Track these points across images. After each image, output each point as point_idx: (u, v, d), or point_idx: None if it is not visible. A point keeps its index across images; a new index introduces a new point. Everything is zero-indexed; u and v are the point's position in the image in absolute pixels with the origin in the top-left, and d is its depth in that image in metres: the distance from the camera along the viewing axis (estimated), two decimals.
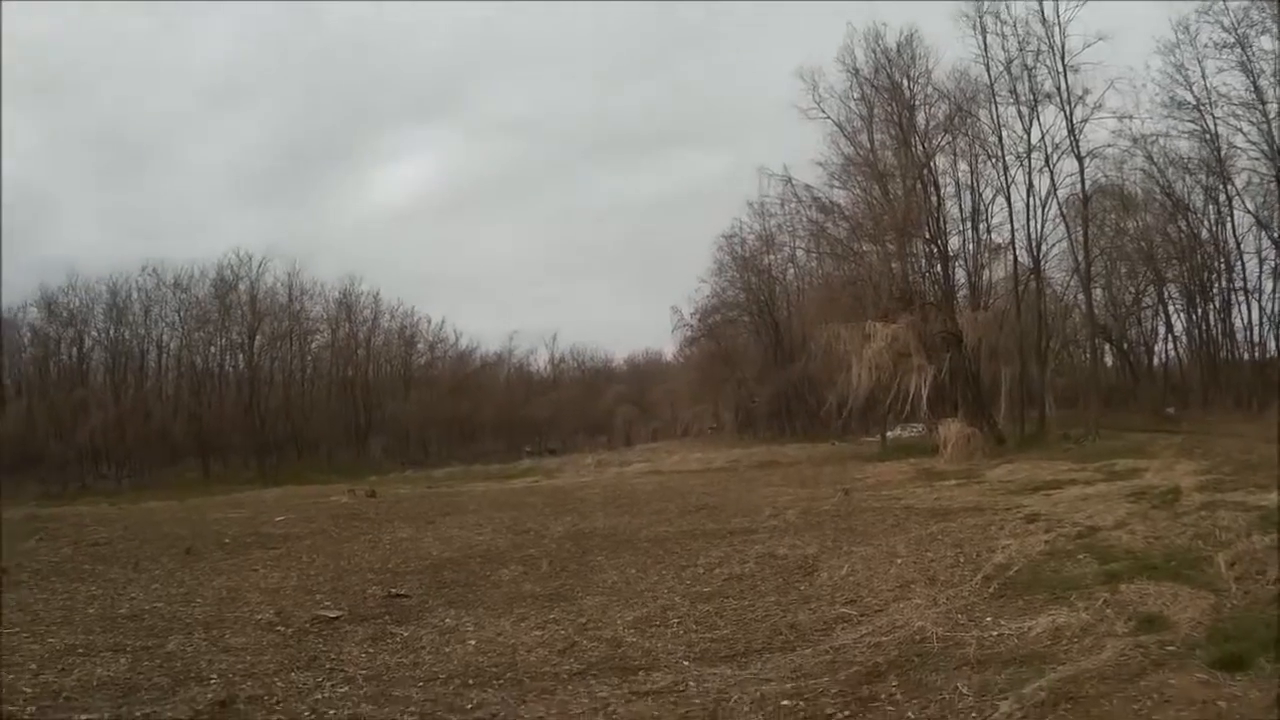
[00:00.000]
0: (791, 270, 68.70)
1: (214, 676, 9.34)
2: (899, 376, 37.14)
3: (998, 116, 43.41)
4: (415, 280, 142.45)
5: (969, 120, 43.87)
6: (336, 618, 12.00)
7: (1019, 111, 42.69)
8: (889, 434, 47.16)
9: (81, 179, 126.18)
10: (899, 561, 13.74)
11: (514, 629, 10.97)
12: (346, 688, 8.78)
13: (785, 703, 7.61)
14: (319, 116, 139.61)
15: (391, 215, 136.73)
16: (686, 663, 9.07)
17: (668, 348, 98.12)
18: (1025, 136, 42.59)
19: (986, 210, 45.78)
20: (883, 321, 38.39)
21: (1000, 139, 43.59)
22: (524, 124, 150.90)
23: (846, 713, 7.36)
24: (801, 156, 63.75)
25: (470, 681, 8.79)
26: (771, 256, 68.06)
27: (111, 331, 72.68)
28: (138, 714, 8.15)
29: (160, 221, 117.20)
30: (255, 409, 70.72)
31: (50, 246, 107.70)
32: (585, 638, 10.28)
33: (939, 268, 44.28)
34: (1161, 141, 45.55)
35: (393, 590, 13.75)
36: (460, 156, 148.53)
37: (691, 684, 8.29)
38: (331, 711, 8.08)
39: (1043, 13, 41.02)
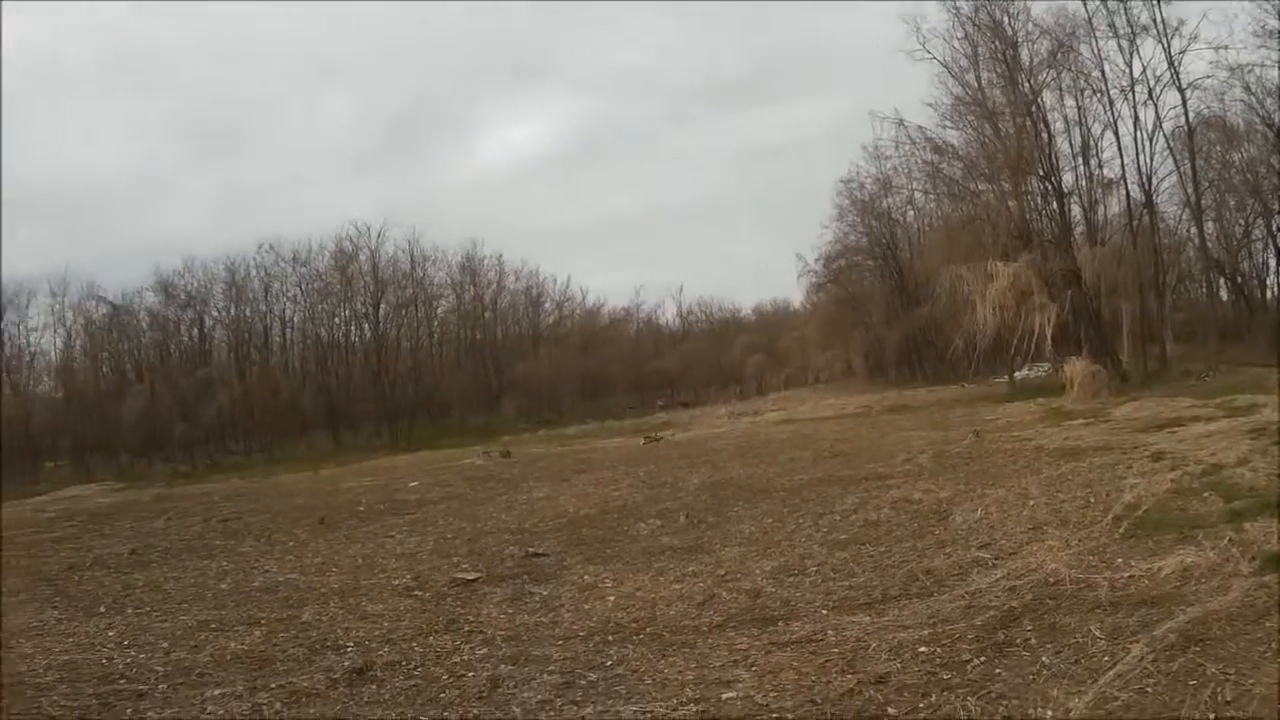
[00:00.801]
0: (910, 213, 68.22)
1: (350, 644, 9.40)
2: (1023, 316, 36.80)
3: (1099, 50, 43.02)
4: (538, 240, 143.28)
5: (1071, 55, 43.29)
6: (474, 579, 12.00)
7: (1119, 45, 42.42)
8: (1016, 374, 46.70)
9: (191, 162, 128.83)
10: (1031, 503, 13.50)
11: (653, 583, 10.89)
12: (485, 649, 8.76)
13: (922, 649, 7.51)
14: (428, 83, 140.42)
15: (508, 178, 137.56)
16: (825, 611, 8.97)
17: (794, 295, 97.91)
18: (1127, 70, 42.35)
19: (1096, 145, 45.05)
20: (1003, 261, 38.24)
21: (1103, 73, 43.22)
22: (636, 75, 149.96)
23: (982, 659, 7.23)
24: (912, 98, 63.02)
25: (610, 638, 8.72)
26: (890, 199, 67.46)
27: (232, 310, 74.01)
28: (273, 685, 8.19)
29: (273, 200, 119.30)
30: (384, 377, 71.53)
31: (162, 231, 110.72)
32: (724, 589, 10.19)
33: (1054, 204, 43.77)
34: (1258, 71, 44.18)
35: (530, 549, 13.71)
36: (573, 114, 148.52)
37: (830, 633, 8.19)
38: (470, 674, 8.06)
39: None
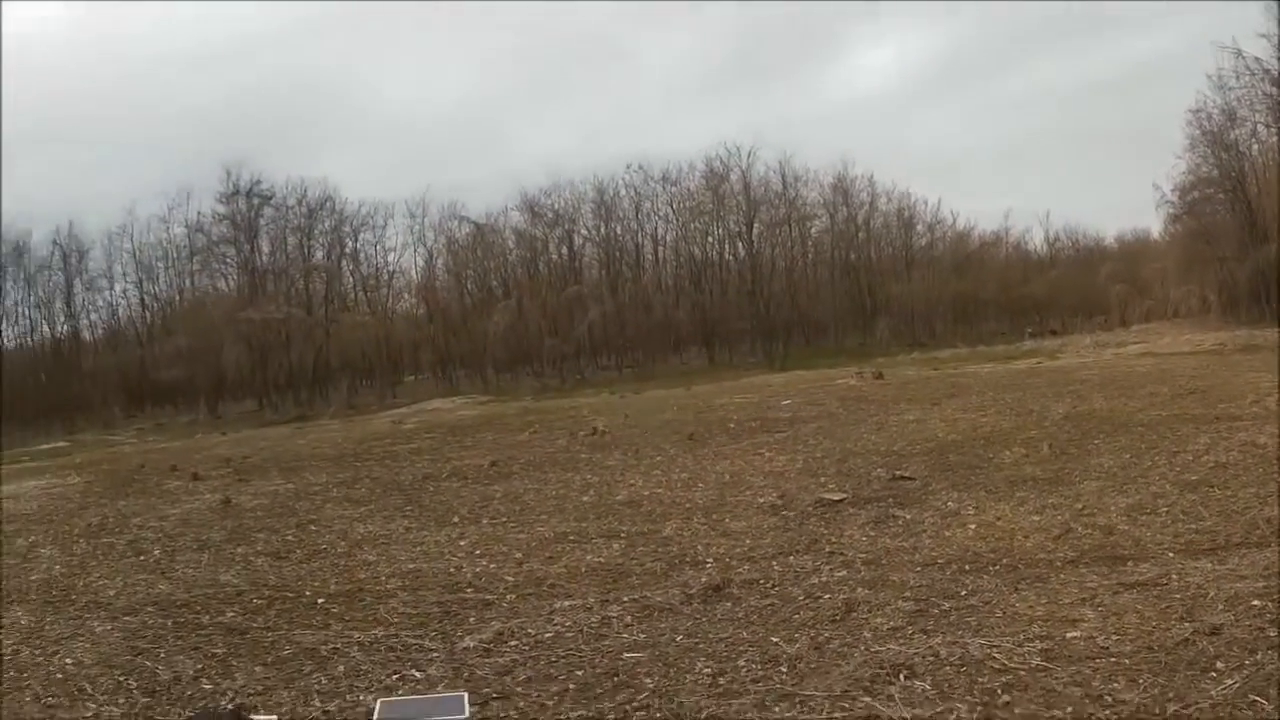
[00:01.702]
0: (1255, 145, 63.33)
1: (709, 560, 9.51)
2: None
3: None
4: (906, 162, 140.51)
5: None
6: (840, 500, 11.95)
7: None
8: None
9: (552, 83, 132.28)
10: None
11: (1013, 513, 10.61)
12: (844, 572, 8.71)
13: (1255, 603, 6.99)
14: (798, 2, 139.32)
15: (876, 99, 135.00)
16: (1171, 554, 8.53)
17: (1154, 225, 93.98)
18: None
19: None
20: None
21: None
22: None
23: None
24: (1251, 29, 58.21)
25: (966, 567, 8.54)
26: (1236, 131, 63.04)
27: (602, 229, 75.42)
28: (625, 599, 8.37)
29: (641, 120, 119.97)
30: (758, 295, 71.55)
31: (524, 152, 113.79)
32: (1080, 524, 9.83)
33: None
34: None
35: (897, 472, 13.53)
36: (940, 35, 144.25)
37: (1174, 577, 7.78)
38: (826, 596, 8.01)
39: None
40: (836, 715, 5.62)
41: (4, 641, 8.79)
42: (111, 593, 10.54)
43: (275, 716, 6.31)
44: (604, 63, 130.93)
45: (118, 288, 73.65)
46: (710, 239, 75.97)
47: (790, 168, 74.93)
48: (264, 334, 62.48)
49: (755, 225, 73.65)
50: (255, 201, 68.15)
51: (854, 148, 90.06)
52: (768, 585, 8.44)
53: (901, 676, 6.06)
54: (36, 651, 8.45)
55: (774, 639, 7.03)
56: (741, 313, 70.88)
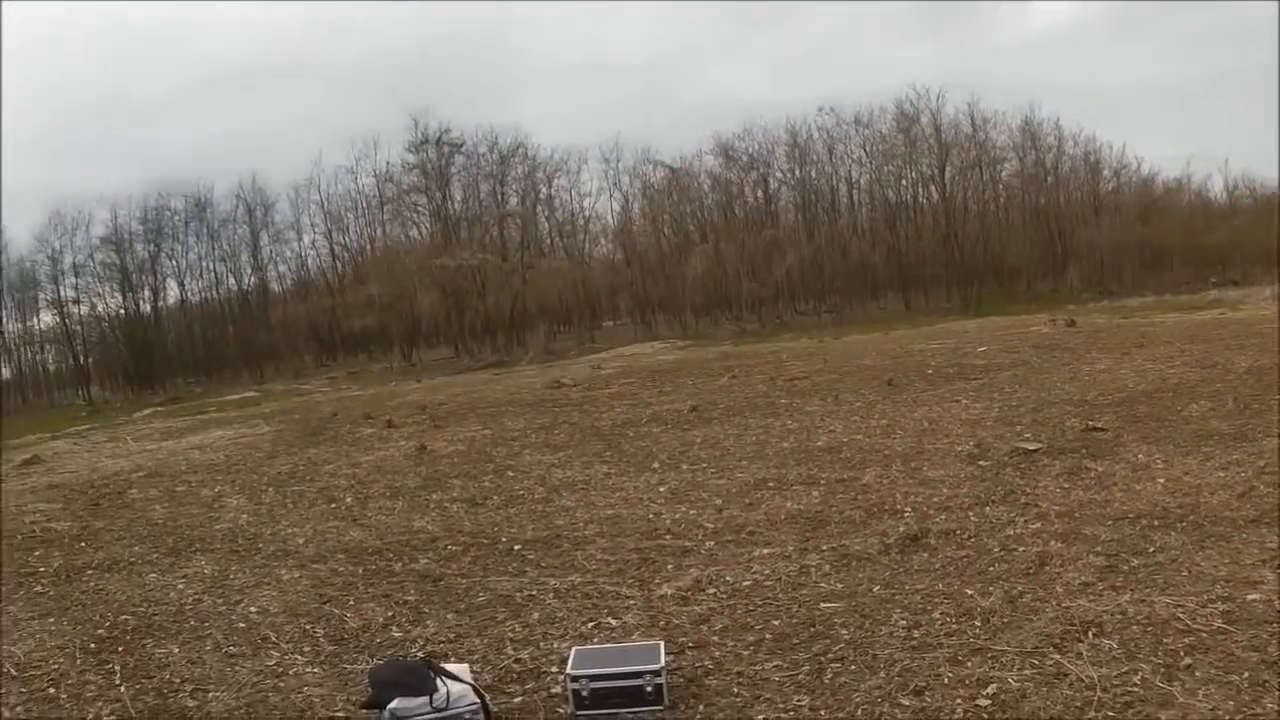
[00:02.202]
0: None
1: (908, 510, 9.60)
2: None
3: None
4: (1091, 105, 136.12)
5: None
6: (1035, 450, 11.89)
7: None
8: None
9: (738, 27, 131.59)
10: None
11: (1199, 468, 10.43)
12: (1039, 524, 8.73)
13: None
14: None
15: (1061, 41, 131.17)
16: None
17: None
18: None
19: None
20: None
21: None
22: None
23: None
24: None
25: (1155, 523, 8.48)
26: None
27: (797, 172, 74.78)
28: (824, 547, 8.50)
29: (830, 62, 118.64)
30: (953, 240, 70.33)
31: (712, 95, 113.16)
32: (1261, 482, 9.56)
33: None
34: None
35: (1090, 423, 13.38)
36: None
37: None
38: (1020, 549, 8.06)
39: None
40: (1027, 671, 5.72)
41: (185, 591, 9.07)
42: (300, 540, 10.83)
43: (467, 665, 6.33)
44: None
45: (306, 239, 75.80)
46: (904, 182, 74.86)
47: (979, 110, 73.17)
48: (458, 281, 63.35)
49: (947, 169, 72.13)
50: (446, 149, 69.10)
51: (1039, 88, 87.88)
52: (964, 536, 8.51)
53: (1090, 634, 6.13)
54: (219, 600, 8.70)
55: (969, 591, 7.16)
56: (935, 257, 69.90)
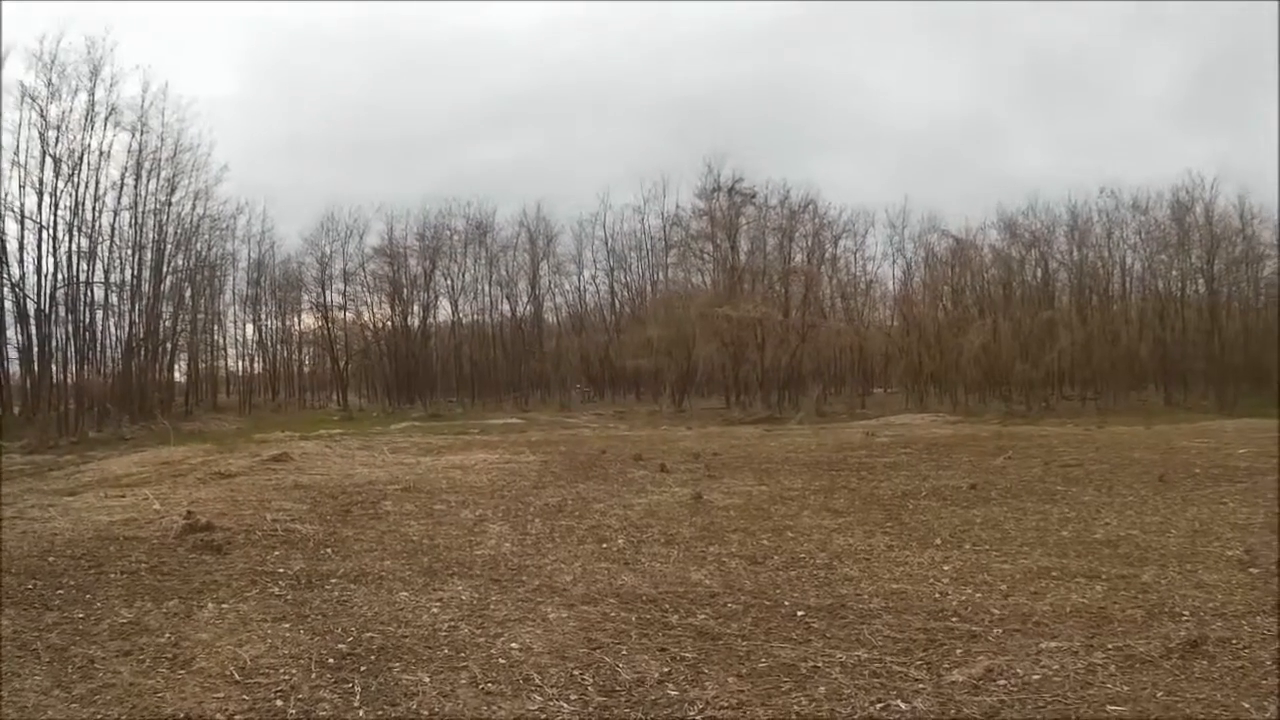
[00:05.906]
0: None
1: (1186, 613, 9.31)
2: None
3: None
4: None
5: None
6: None
7: None
8: None
9: (1030, 105, 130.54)
10: None
11: None
12: None
13: None
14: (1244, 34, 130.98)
15: None
16: None
17: None
18: None
19: None
20: None
21: None
22: None
23: None
24: None
25: None
26: None
27: (1074, 253, 73.18)
28: (1109, 646, 8.24)
29: (1110, 144, 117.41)
30: (1217, 335, 67.80)
31: (1002, 171, 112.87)
32: None
33: None
34: None
35: None
36: None
37: None
38: None
39: None
40: None
41: (440, 616, 9.01)
42: (568, 578, 10.68)
43: None
44: (1089, 81, 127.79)
45: (586, 273, 77.26)
46: (1174, 272, 72.58)
47: (1248, 204, 70.19)
48: (738, 332, 63.48)
49: (1216, 262, 69.39)
50: (737, 199, 69.83)
51: None
52: (1239, 646, 8.19)
53: None
54: (477, 630, 8.55)
55: (1244, 704, 6.92)
56: (1199, 352, 67.61)
